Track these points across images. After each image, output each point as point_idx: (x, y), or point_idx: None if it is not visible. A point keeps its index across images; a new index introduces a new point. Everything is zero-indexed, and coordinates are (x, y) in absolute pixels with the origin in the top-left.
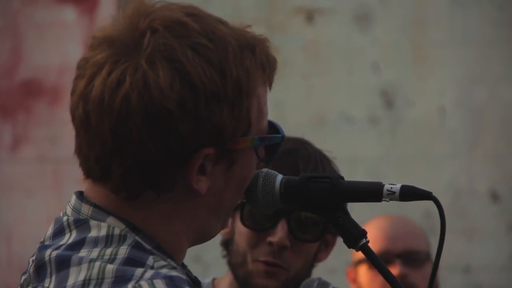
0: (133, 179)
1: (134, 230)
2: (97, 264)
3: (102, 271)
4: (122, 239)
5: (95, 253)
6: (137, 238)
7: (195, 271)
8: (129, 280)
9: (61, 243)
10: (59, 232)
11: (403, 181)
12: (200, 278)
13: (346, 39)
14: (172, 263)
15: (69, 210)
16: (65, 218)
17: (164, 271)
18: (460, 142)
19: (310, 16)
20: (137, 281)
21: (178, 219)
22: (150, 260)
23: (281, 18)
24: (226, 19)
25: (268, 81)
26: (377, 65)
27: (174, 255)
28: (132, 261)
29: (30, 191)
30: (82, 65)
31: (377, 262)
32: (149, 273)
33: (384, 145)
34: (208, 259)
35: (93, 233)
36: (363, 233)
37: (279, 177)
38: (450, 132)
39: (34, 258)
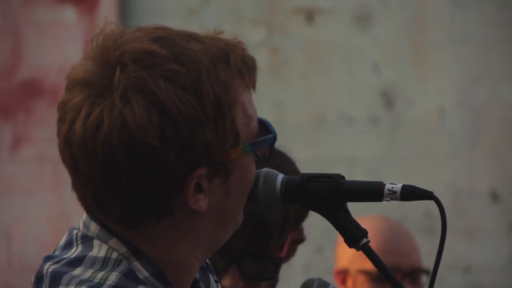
0: (130, 212)
1: (136, 254)
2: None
3: None
4: (117, 264)
5: (87, 274)
6: (134, 264)
7: None
8: None
9: (65, 256)
10: (69, 244)
11: (403, 181)
12: None
13: (346, 39)
14: None
15: (81, 224)
16: (75, 231)
17: None
18: (460, 142)
19: (310, 16)
20: None
21: (183, 240)
22: None
23: (281, 18)
24: (226, 19)
25: (251, 83)
26: (377, 65)
27: (178, 278)
28: None
29: (30, 191)
30: (61, 108)
31: (378, 262)
32: None
33: (384, 145)
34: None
35: (93, 253)
36: (364, 233)
37: (280, 176)
38: (450, 132)
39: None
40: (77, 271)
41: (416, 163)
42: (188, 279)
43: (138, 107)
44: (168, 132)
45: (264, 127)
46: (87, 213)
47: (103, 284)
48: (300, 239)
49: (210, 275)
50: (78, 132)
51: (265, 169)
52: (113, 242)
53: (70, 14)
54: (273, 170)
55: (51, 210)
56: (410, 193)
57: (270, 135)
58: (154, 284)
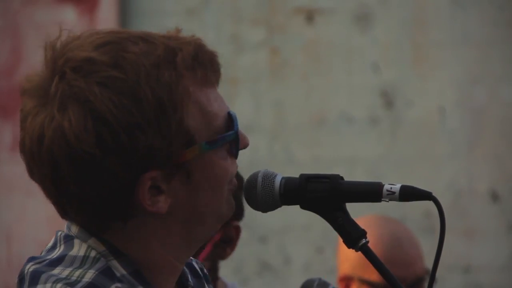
0: (88, 216)
1: (115, 253)
2: (59, 285)
3: None
4: (94, 262)
5: (66, 272)
6: (112, 263)
7: None
8: None
9: (48, 257)
10: (54, 245)
11: (403, 181)
12: None
13: (346, 39)
14: None
15: (65, 226)
16: (59, 233)
17: None
18: (460, 142)
19: (310, 16)
20: None
21: (155, 240)
22: None
23: (281, 18)
24: (226, 19)
25: (214, 78)
26: (377, 65)
27: (157, 278)
28: (92, 286)
29: (30, 191)
30: (20, 116)
31: (377, 263)
32: None
33: (384, 145)
34: None
35: (73, 252)
36: (363, 233)
37: (279, 177)
38: (450, 132)
39: None
40: (56, 270)
41: (416, 163)
42: (169, 280)
43: (74, 116)
44: (105, 139)
45: (231, 122)
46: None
47: (79, 281)
48: (230, 237)
49: (206, 284)
50: (27, 143)
51: (263, 170)
52: (92, 241)
53: (70, 14)
54: (272, 171)
55: (51, 210)
56: (409, 194)
57: (231, 132)
58: (131, 282)
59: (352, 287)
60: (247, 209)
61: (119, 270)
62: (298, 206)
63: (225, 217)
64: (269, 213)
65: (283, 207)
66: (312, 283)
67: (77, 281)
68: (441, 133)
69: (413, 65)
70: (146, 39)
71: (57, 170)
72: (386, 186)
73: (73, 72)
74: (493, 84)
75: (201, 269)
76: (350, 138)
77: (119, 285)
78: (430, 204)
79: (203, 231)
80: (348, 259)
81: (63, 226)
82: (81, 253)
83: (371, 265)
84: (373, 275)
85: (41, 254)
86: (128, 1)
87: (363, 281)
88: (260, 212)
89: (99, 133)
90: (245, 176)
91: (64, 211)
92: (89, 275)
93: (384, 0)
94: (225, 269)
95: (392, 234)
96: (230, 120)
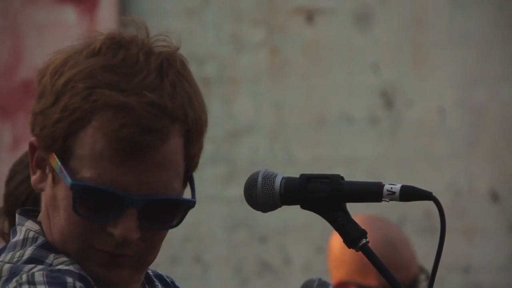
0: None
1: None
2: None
3: (0, 271)
4: (34, 240)
5: (8, 257)
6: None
7: (195, 271)
8: (16, 274)
9: None
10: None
11: (403, 181)
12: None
13: (346, 39)
14: (73, 261)
15: None
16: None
17: (59, 266)
18: (460, 142)
19: (310, 16)
20: (21, 275)
21: (53, 226)
22: (51, 257)
23: (281, 18)
24: (226, 19)
25: (122, 149)
26: (377, 65)
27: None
28: (32, 260)
29: None
30: None
31: (377, 263)
32: (37, 268)
33: (384, 145)
34: (208, 259)
35: (15, 238)
36: (363, 234)
37: (279, 177)
38: (450, 132)
39: None
40: (0, 257)
41: (416, 163)
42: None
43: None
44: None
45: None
46: None
47: (20, 260)
48: None
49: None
50: None
51: (263, 170)
52: (28, 223)
53: (70, 14)
54: (272, 171)
55: None
56: (409, 194)
57: (74, 182)
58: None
59: None
60: (248, 209)
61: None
62: (298, 206)
63: (80, 260)
64: (269, 213)
65: (283, 207)
66: (312, 283)
67: (18, 260)
68: (441, 133)
69: (413, 65)
70: (129, 64)
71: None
72: (387, 186)
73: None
74: (493, 84)
75: (172, 282)
76: (350, 138)
77: (56, 254)
78: (430, 204)
79: (72, 252)
80: (344, 265)
81: None
82: (21, 237)
83: (368, 270)
84: (372, 280)
85: None
86: (128, 1)
87: (361, 287)
88: (260, 212)
89: (43, 72)
90: (246, 176)
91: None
92: (29, 252)
93: (384, 0)
94: (225, 269)
95: (386, 236)
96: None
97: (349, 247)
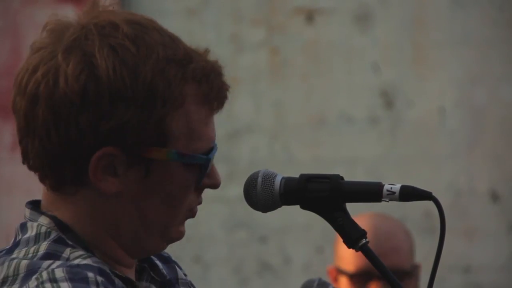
0: (44, 165)
1: (63, 229)
2: (14, 261)
3: (17, 267)
4: (47, 235)
5: (22, 253)
6: (61, 234)
7: (195, 271)
8: (35, 272)
9: (8, 247)
10: (14, 238)
11: (403, 181)
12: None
13: (346, 39)
14: (90, 254)
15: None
16: (18, 225)
17: (77, 260)
18: (460, 142)
19: (310, 16)
20: (41, 273)
21: (101, 219)
22: (67, 252)
23: (281, 18)
24: (226, 19)
25: (215, 104)
26: (377, 65)
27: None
28: (48, 255)
29: (30, 191)
30: (30, 48)
31: (377, 262)
32: (56, 264)
33: (384, 145)
34: (208, 259)
35: (27, 234)
36: (363, 233)
37: (279, 177)
38: (450, 132)
39: None
40: (14, 254)
41: (416, 163)
42: (117, 262)
43: (74, 61)
44: (90, 93)
45: (209, 151)
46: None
47: (35, 255)
48: None
49: (178, 269)
50: (20, 72)
51: (263, 170)
52: (41, 219)
53: (70, 14)
54: (272, 171)
55: None
56: (409, 194)
57: (203, 156)
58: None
59: (339, 279)
60: (248, 209)
61: (68, 240)
62: (298, 206)
63: (171, 240)
64: (269, 213)
65: (283, 207)
66: (312, 283)
67: (33, 256)
68: (441, 133)
69: (413, 65)
70: (173, 38)
71: (35, 104)
72: (386, 186)
73: (95, 28)
74: (493, 84)
75: (169, 257)
76: (350, 138)
77: (72, 249)
78: (430, 204)
79: (150, 242)
80: (336, 253)
81: None
82: (33, 232)
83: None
84: (349, 266)
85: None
86: (128, 1)
87: (340, 271)
88: (260, 212)
89: (87, 86)
90: (245, 176)
91: (25, 154)
92: (44, 247)
93: (384, 0)
94: (225, 269)
95: (371, 226)
96: (211, 150)
97: (349, 247)
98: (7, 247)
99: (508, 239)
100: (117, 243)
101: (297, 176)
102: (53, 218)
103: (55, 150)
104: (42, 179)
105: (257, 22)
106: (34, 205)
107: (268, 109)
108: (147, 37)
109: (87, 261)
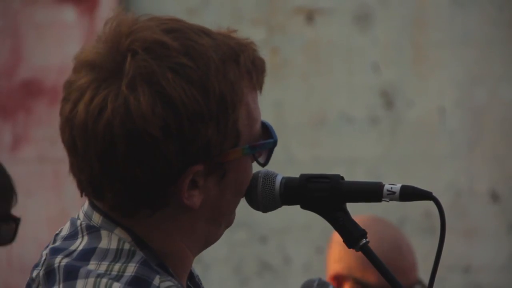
0: (124, 200)
1: (140, 245)
2: (104, 280)
3: (109, 285)
4: (131, 255)
5: (103, 267)
6: (140, 251)
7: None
8: None
9: (72, 248)
10: (73, 235)
11: (403, 181)
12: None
13: (346, 39)
14: (177, 282)
15: (81, 215)
16: (79, 222)
17: None
18: (460, 142)
19: (310, 16)
20: None
21: (179, 234)
22: (157, 280)
23: (281, 18)
24: (226, 19)
25: (258, 84)
26: (377, 65)
27: (176, 270)
28: (139, 280)
29: (30, 191)
30: (67, 88)
31: (377, 262)
32: None
33: (384, 145)
34: (208, 259)
35: (103, 244)
36: (363, 233)
37: (279, 177)
38: (450, 132)
39: (44, 259)
40: (92, 265)
41: (416, 163)
42: (185, 271)
43: (144, 96)
44: (170, 124)
45: (266, 130)
46: (82, 195)
47: (122, 276)
48: None
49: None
50: (80, 114)
51: (264, 170)
52: (118, 231)
53: (70, 14)
54: (272, 171)
55: (51, 210)
56: (409, 194)
57: (271, 140)
58: (163, 274)
59: (344, 287)
60: (248, 209)
61: (151, 263)
62: (298, 206)
63: (230, 224)
64: (269, 213)
65: (283, 207)
66: (312, 283)
67: (119, 276)
68: (441, 133)
69: (413, 65)
70: (206, 33)
71: (110, 146)
72: (387, 186)
73: (145, 52)
74: (493, 84)
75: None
76: (350, 138)
77: (160, 276)
78: (430, 204)
79: (217, 232)
80: (343, 260)
81: (63, 226)
82: (113, 246)
83: (369, 267)
84: (371, 277)
85: (55, 242)
86: (128, 1)
87: (359, 282)
88: (260, 212)
89: (166, 118)
90: None
91: (97, 192)
92: (131, 269)
93: (384, 0)
94: (225, 269)
95: (393, 240)
96: (266, 128)
97: (349, 247)
98: (71, 246)
99: (508, 239)
100: (189, 248)
101: (297, 176)
102: (129, 232)
103: (139, 185)
104: (113, 209)
105: (257, 22)
106: (102, 211)
107: (268, 109)
108: (195, 45)
109: None
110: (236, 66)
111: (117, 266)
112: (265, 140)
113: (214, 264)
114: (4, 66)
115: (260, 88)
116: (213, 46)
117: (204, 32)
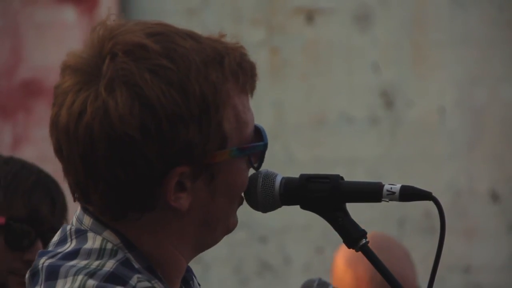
0: (110, 202)
1: (129, 247)
2: (79, 277)
3: (83, 285)
4: (113, 254)
5: (83, 263)
6: (128, 255)
7: (195, 271)
8: None
9: (60, 250)
10: (63, 240)
11: (403, 181)
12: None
13: (346, 39)
14: (158, 285)
15: (74, 220)
16: (68, 227)
17: None
18: (460, 142)
19: (310, 16)
20: None
21: (168, 237)
22: (134, 279)
23: (281, 18)
24: (226, 19)
25: (249, 88)
26: (377, 65)
27: (167, 274)
28: (115, 277)
29: None
30: (55, 93)
31: (377, 263)
32: None
33: (384, 145)
34: (208, 259)
35: (88, 245)
36: (363, 234)
37: (279, 177)
38: (450, 132)
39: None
40: (73, 262)
41: (416, 163)
42: (177, 276)
43: (122, 98)
44: (149, 125)
45: (258, 134)
46: (75, 200)
47: (99, 270)
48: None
49: (193, 277)
50: (63, 117)
51: (264, 170)
52: (107, 233)
53: (70, 14)
54: (272, 171)
55: None
56: (409, 194)
57: (261, 143)
58: (148, 275)
59: None
60: (248, 209)
61: (135, 263)
62: (298, 206)
63: (230, 230)
64: (269, 213)
65: (283, 207)
66: (312, 283)
67: (97, 270)
68: (441, 133)
69: (413, 65)
70: (193, 36)
71: (92, 149)
72: (386, 186)
73: (125, 55)
74: (493, 84)
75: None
76: (350, 138)
77: (140, 276)
78: (430, 204)
79: (212, 238)
80: (343, 282)
81: None
82: (96, 245)
83: None
84: None
85: (47, 248)
86: (128, 1)
87: None
88: (260, 212)
89: (144, 119)
90: None
91: (84, 194)
92: (110, 265)
93: (384, 0)
94: (225, 269)
95: (403, 252)
96: (258, 132)
97: (349, 247)
98: (59, 249)
99: (508, 239)
100: (180, 252)
101: (297, 176)
102: (119, 234)
103: (123, 186)
104: (103, 213)
105: (257, 22)
106: (93, 214)
107: (268, 109)
108: (177, 47)
109: None
110: (220, 68)
111: (96, 262)
112: (254, 143)
113: (214, 264)
114: (4, 66)
115: (251, 92)
116: (196, 49)
117: (190, 36)
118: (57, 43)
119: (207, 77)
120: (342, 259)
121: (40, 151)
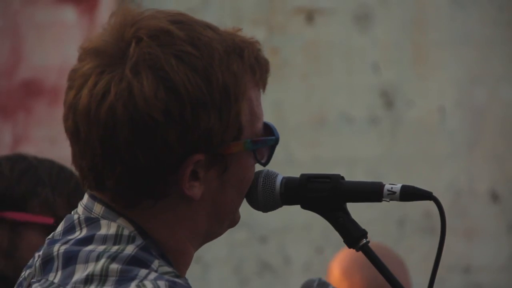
0: (125, 187)
1: (142, 234)
2: (102, 261)
3: (106, 268)
4: (131, 239)
5: (101, 248)
6: (145, 242)
7: (195, 271)
8: (132, 279)
9: (71, 237)
10: (70, 229)
11: (403, 181)
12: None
13: (346, 39)
14: (176, 272)
15: (80, 209)
16: (76, 216)
17: (167, 277)
18: (460, 142)
19: (310, 16)
20: (141, 280)
21: (181, 226)
22: (156, 263)
23: (281, 18)
24: (226, 19)
25: (262, 83)
26: (377, 65)
27: (176, 264)
28: (137, 261)
29: None
30: (71, 77)
31: (377, 262)
32: (153, 275)
33: (384, 145)
34: (208, 259)
35: (102, 231)
36: (364, 233)
37: (280, 177)
38: (450, 132)
39: (41, 252)
40: (90, 247)
41: (416, 163)
42: (185, 266)
43: (147, 81)
44: (172, 109)
45: (268, 130)
46: (83, 187)
47: (120, 253)
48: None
49: None
50: (84, 98)
51: (264, 170)
52: (121, 220)
53: (70, 14)
54: (273, 171)
55: None
56: (409, 194)
57: (272, 137)
58: (164, 263)
59: None
60: (248, 209)
61: (152, 250)
62: (298, 206)
63: (234, 225)
64: (269, 213)
65: (283, 207)
66: (312, 283)
67: (117, 253)
68: (441, 133)
69: (413, 65)
70: (212, 28)
71: (113, 131)
72: (387, 186)
73: (150, 39)
74: (493, 84)
75: None
76: (350, 138)
77: (160, 261)
78: (430, 204)
79: (219, 228)
80: None
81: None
82: (112, 231)
83: None
84: None
85: (52, 238)
86: (128, 1)
87: None
88: (260, 212)
89: (168, 103)
90: None
91: (98, 180)
92: (131, 249)
93: (384, 0)
94: (225, 269)
95: (401, 262)
96: (268, 128)
97: (350, 247)
98: (70, 237)
99: (508, 239)
100: (190, 242)
101: (298, 176)
102: (132, 222)
103: (140, 171)
104: (115, 200)
105: (257, 22)
106: (104, 202)
107: (268, 109)
108: (200, 36)
109: (179, 280)
110: (240, 59)
111: (115, 247)
112: (267, 137)
113: (214, 264)
114: (4, 66)
115: (264, 87)
116: (218, 39)
117: (209, 26)
118: (57, 43)
119: (229, 67)
120: (338, 269)
121: (40, 151)
